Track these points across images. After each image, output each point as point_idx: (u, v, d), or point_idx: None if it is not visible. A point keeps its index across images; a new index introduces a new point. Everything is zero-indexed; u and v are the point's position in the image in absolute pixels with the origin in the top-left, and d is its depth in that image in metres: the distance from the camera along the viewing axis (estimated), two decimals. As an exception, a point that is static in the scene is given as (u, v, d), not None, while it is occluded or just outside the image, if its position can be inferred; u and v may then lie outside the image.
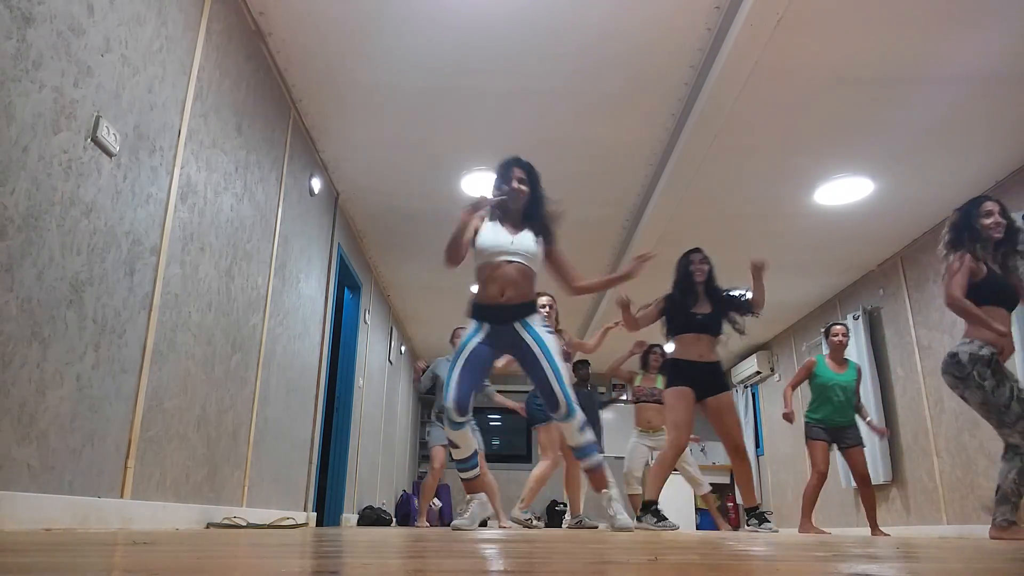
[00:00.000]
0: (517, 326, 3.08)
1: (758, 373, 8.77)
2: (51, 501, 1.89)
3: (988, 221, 3.40)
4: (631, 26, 3.32)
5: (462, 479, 3.28)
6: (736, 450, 3.96)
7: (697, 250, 4.18)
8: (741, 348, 9.04)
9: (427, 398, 5.92)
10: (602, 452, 3.67)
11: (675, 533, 3.72)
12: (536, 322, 3.11)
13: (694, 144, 4.05)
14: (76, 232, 2.01)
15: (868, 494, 4.88)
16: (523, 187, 3.22)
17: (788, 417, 4.98)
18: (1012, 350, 3.30)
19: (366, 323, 6.26)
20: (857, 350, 6.26)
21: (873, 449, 6.00)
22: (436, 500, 8.81)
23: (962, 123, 4.01)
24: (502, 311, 3.08)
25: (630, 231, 5.56)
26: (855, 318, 6.35)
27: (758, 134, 4.18)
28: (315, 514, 4.59)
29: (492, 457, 8.15)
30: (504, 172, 3.25)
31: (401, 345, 8.33)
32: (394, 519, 7.47)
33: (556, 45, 3.46)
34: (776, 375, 8.55)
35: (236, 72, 3.14)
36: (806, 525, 4.92)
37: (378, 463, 7.04)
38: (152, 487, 2.47)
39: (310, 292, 4.42)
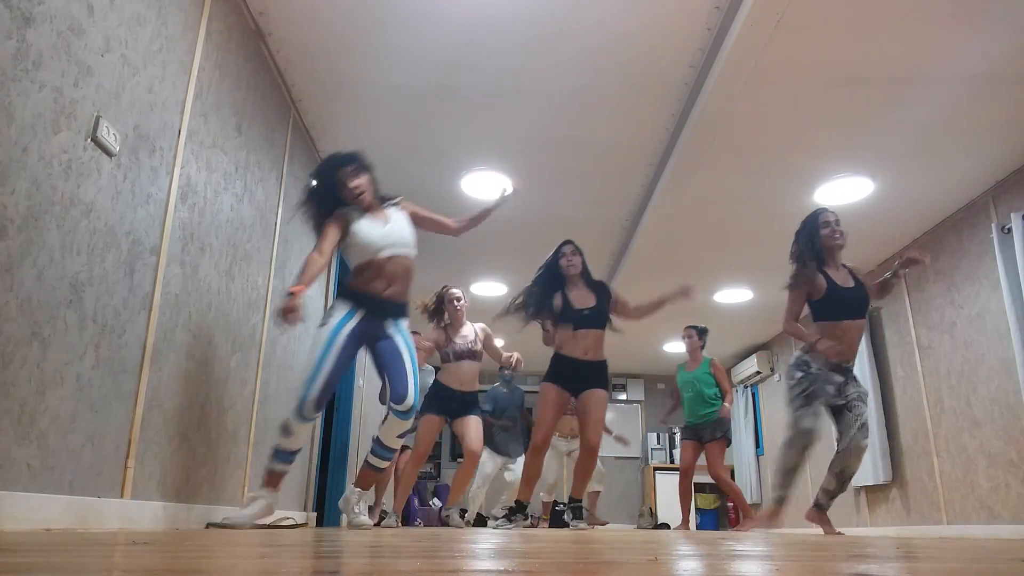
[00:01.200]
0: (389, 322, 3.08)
1: (758, 373, 8.76)
2: (51, 501, 1.89)
3: (826, 231, 3.76)
4: (631, 26, 3.32)
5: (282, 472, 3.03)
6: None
7: (568, 242, 4.21)
8: (741, 348, 9.04)
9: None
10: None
11: (671, 532, 3.74)
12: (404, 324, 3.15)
13: (694, 144, 4.05)
14: (76, 232, 2.01)
15: (729, 491, 5.61)
16: (359, 181, 3.15)
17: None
18: (848, 354, 3.65)
19: (366, 323, 6.25)
20: (857, 350, 6.26)
21: (873, 449, 6.01)
22: (436, 500, 8.82)
23: (962, 123, 4.01)
24: (383, 305, 3.06)
25: (630, 231, 5.56)
26: (855, 318, 6.34)
27: (758, 134, 4.18)
28: (315, 514, 4.59)
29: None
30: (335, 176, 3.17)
31: (401, 345, 8.31)
32: (394, 519, 7.46)
33: (556, 45, 3.46)
34: (776, 375, 8.55)
35: (236, 72, 3.14)
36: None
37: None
38: (152, 487, 2.47)
39: (310, 292, 4.41)
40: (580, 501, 4.15)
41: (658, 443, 10.29)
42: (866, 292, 3.70)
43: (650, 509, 9.64)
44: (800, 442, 3.63)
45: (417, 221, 3.36)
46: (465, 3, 3.20)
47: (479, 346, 4.69)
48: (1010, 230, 4.32)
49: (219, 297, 3.00)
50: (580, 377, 3.96)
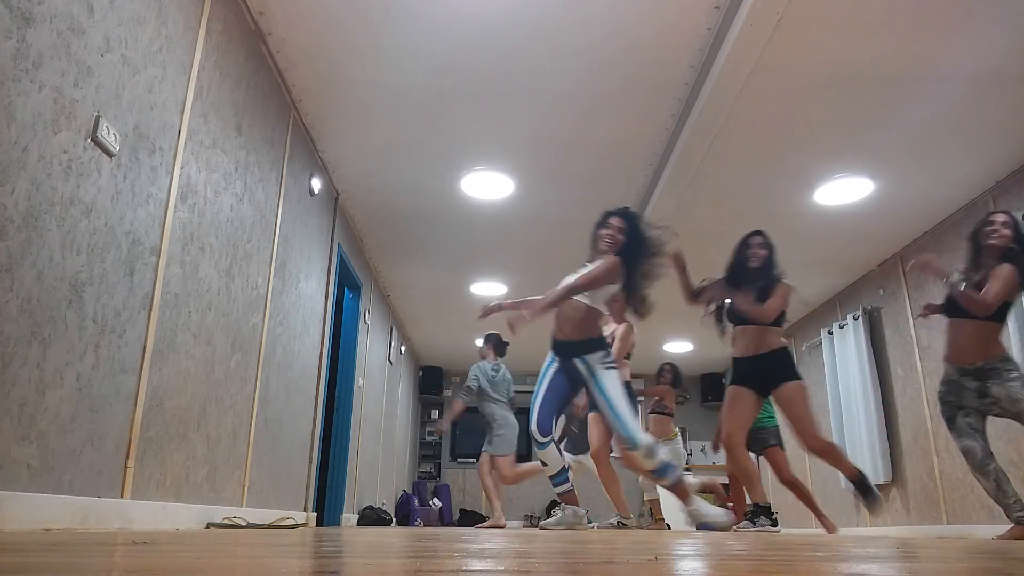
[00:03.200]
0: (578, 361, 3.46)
1: (758, 373, 8.75)
2: (51, 501, 1.89)
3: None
4: (631, 26, 3.32)
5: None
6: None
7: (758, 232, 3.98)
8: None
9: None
10: None
11: (671, 533, 3.75)
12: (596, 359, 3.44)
13: (694, 144, 4.05)
14: (76, 232, 2.01)
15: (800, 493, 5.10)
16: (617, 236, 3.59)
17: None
18: (968, 357, 3.42)
19: (366, 323, 6.26)
20: (857, 350, 6.26)
21: (873, 449, 6.01)
22: (436, 500, 8.81)
23: (962, 123, 4.01)
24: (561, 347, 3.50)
25: (630, 231, 5.56)
26: (855, 318, 6.35)
27: (758, 134, 4.18)
28: (315, 514, 4.59)
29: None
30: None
31: (401, 345, 8.32)
32: (394, 519, 7.47)
33: (556, 45, 3.46)
34: (776, 375, 8.54)
35: (236, 72, 3.14)
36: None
37: (378, 463, 7.04)
38: (152, 487, 2.47)
39: (310, 292, 4.42)
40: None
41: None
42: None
43: (650, 509, 9.63)
44: (970, 463, 3.41)
45: None
46: (465, 4, 3.20)
47: None
48: (1010, 230, 4.31)
49: (219, 297, 3.00)
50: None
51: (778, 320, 3.80)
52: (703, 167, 4.38)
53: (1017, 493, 3.35)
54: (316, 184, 4.38)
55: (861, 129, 4.11)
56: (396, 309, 7.80)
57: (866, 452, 6.03)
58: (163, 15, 2.48)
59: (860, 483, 3.79)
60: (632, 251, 3.49)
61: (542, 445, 3.43)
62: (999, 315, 3.38)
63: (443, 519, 8.61)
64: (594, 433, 4.86)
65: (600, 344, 3.49)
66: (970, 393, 3.41)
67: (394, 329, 7.77)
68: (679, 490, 3.51)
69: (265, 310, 3.56)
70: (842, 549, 1.77)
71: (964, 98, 3.78)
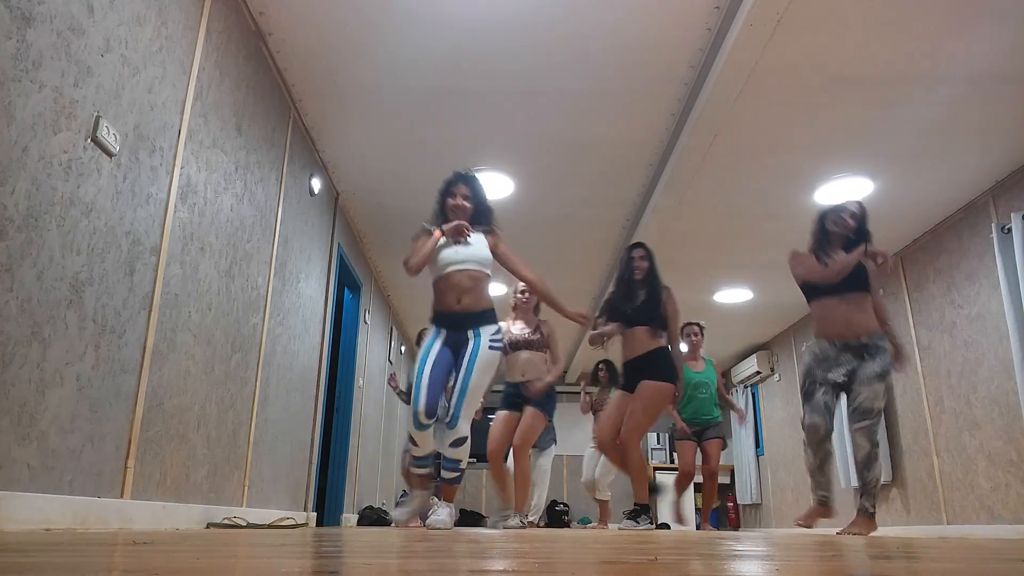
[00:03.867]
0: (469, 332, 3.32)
1: (758, 373, 8.77)
2: (51, 501, 1.90)
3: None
4: (631, 26, 3.32)
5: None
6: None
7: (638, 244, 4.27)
8: (741, 348, 9.04)
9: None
10: None
11: (668, 533, 3.76)
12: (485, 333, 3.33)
13: (694, 144, 4.05)
14: (76, 232, 2.01)
15: (710, 487, 5.49)
16: (465, 203, 3.48)
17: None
18: (848, 332, 3.49)
19: (366, 323, 6.26)
20: (857, 350, 6.25)
21: (873, 449, 6.00)
22: (436, 500, 8.80)
23: (962, 123, 4.01)
24: (457, 318, 3.32)
25: (630, 231, 5.56)
26: (855, 318, 6.34)
27: (758, 134, 4.18)
28: (315, 514, 4.59)
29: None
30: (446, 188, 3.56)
31: (401, 345, 8.32)
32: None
33: (556, 45, 3.46)
34: (776, 375, 8.55)
35: (236, 72, 3.14)
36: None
37: (378, 463, 7.04)
38: (152, 487, 2.47)
39: (310, 292, 4.42)
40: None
41: (658, 443, 10.29)
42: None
43: (650, 509, 9.64)
44: (809, 440, 3.50)
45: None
46: (465, 4, 3.20)
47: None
48: (1010, 230, 4.32)
49: (219, 297, 3.00)
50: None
51: (663, 323, 4.01)
52: (703, 167, 4.38)
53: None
54: (316, 184, 4.38)
55: (861, 129, 4.11)
56: (396, 309, 7.80)
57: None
58: (163, 15, 2.48)
59: (640, 509, 4.11)
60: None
61: (423, 427, 3.28)
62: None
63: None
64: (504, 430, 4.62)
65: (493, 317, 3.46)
66: (835, 371, 3.50)
67: (394, 329, 7.77)
68: (449, 489, 3.57)
69: (265, 310, 3.56)
70: (842, 549, 1.77)
71: (964, 98, 3.78)
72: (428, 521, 3.51)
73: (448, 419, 3.28)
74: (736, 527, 9.71)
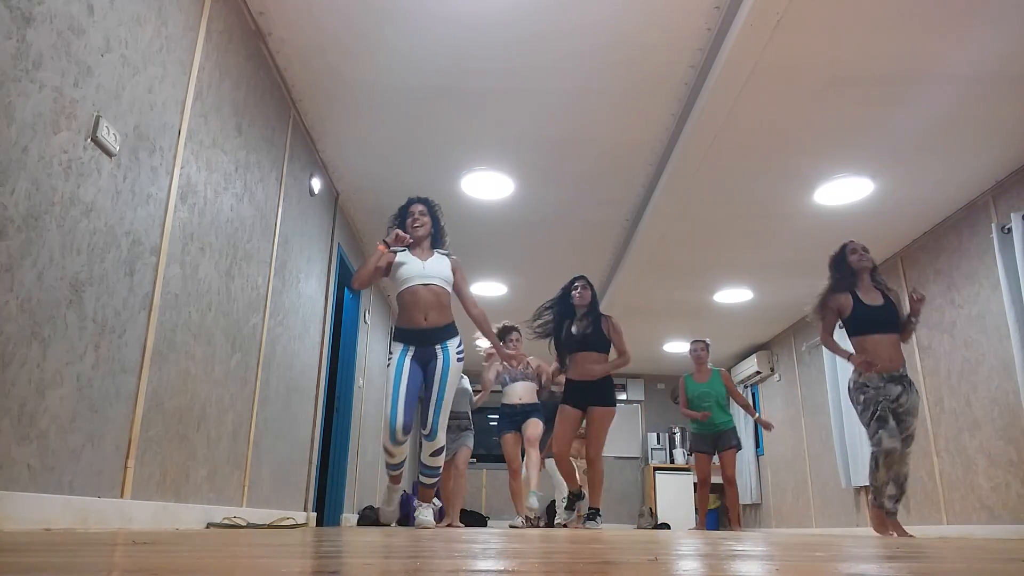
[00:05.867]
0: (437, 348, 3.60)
1: (758, 373, 8.77)
2: (51, 501, 1.89)
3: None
4: (631, 26, 3.32)
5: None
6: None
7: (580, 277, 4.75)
8: (741, 348, 9.04)
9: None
10: None
11: (669, 533, 3.81)
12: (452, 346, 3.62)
13: (694, 144, 4.05)
14: (76, 232, 2.01)
15: (732, 495, 5.67)
16: (424, 217, 3.79)
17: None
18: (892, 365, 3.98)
19: (366, 323, 6.26)
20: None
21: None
22: (436, 500, 8.81)
23: (962, 123, 4.01)
24: (425, 334, 3.59)
25: (630, 231, 5.56)
26: (855, 318, 6.34)
27: (758, 134, 4.18)
28: (315, 514, 4.59)
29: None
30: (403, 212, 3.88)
31: (401, 345, 8.31)
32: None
33: (556, 45, 3.46)
34: (776, 375, 8.55)
35: (236, 72, 3.14)
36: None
37: (378, 463, 7.03)
38: (152, 487, 2.47)
39: (310, 292, 4.42)
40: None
41: (658, 443, 10.28)
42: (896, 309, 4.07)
43: (650, 509, 9.64)
44: (887, 462, 3.85)
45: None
46: (465, 3, 3.20)
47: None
48: (1010, 230, 4.32)
49: (219, 297, 3.00)
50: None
51: (607, 346, 4.56)
52: (703, 167, 4.38)
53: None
54: (316, 184, 4.38)
55: (861, 129, 4.11)
56: (396, 310, 7.79)
57: (866, 452, 6.01)
58: (163, 15, 2.48)
59: (574, 496, 4.76)
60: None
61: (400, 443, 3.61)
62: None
63: (443, 519, 8.59)
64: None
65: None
66: (892, 400, 3.93)
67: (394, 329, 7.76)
68: (425, 492, 3.88)
69: (265, 310, 3.56)
70: (843, 549, 1.77)
71: (964, 98, 3.78)
72: (416, 521, 3.80)
73: (427, 432, 3.58)
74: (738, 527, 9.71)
